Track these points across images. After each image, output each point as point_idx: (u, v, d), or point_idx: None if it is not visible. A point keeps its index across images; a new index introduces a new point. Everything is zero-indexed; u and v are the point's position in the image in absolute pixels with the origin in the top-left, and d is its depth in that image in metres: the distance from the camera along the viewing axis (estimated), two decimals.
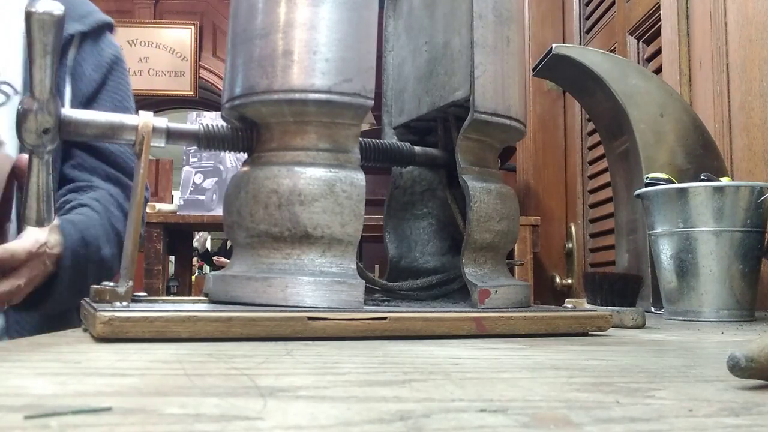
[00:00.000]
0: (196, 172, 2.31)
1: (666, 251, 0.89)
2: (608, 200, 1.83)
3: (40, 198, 0.54)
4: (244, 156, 0.62)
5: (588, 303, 0.79)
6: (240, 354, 0.40)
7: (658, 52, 1.56)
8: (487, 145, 0.65)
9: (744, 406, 0.28)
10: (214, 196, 2.29)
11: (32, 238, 0.75)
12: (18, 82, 0.92)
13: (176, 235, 2.53)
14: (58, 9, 0.49)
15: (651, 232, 0.93)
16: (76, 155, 0.96)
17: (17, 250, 0.73)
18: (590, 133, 2.09)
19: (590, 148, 2.10)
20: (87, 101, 0.97)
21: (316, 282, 0.53)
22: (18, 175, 0.74)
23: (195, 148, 0.73)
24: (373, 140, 0.67)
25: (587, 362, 0.41)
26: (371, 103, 0.57)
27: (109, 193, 0.94)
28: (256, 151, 0.59)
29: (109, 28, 1.05)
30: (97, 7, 1.06)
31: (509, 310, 0.57)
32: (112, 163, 0.98)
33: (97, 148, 0.96)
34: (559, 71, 1.18)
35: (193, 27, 5.16)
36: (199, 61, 5.17)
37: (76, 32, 0.98)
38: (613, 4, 1.91)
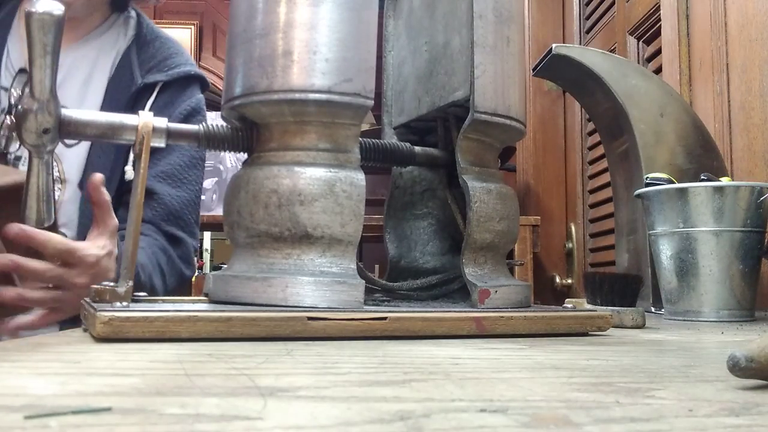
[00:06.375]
0: None
1: (666, 251, 0.89)
2: (608, 200, 1.83)
3: (40, 198, 0.54)
4: (244, 156, 0.62)
5: (588, 303, 0.79)
6: (240, 354, 0.40)
7: (658, 52, 1.56)
8: (487, 145, 0.65)
9: (744, 406, 0.28)
10: (214, 196, 2.29)
11: (99, 244, 0.77)
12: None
13: None
14: (58, 9, 0.49)
15: (651, 232, 0.93)
16: (125, 202, 0.99)
17: (89, 252, 0.75)
18: (590, 133, 2.09)
19: (590, 148, 2.10)
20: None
21: (316, 282, 0.53)
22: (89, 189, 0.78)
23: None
24: (373, 140, 0.66)
25: (587, 362, 0.41)
26: (371, 103, 0.57)
27: (154, 237, 0.98)
28: (256, 151, 0.59)
29: (198, 81, 1.10)
30: (192, 61, 1.11)
31: (509, 310, 0.57)
32: (164, 211, 1.00)
33: (150, 194, 0.99)
34: (559, 71, 1.18)
35: (193, 27, 5.15)
36: (199, 61, 5.16)
37: (157, 81, 1.02)
38: (613, 4, 1.91)
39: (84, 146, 0.99)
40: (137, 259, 0.90)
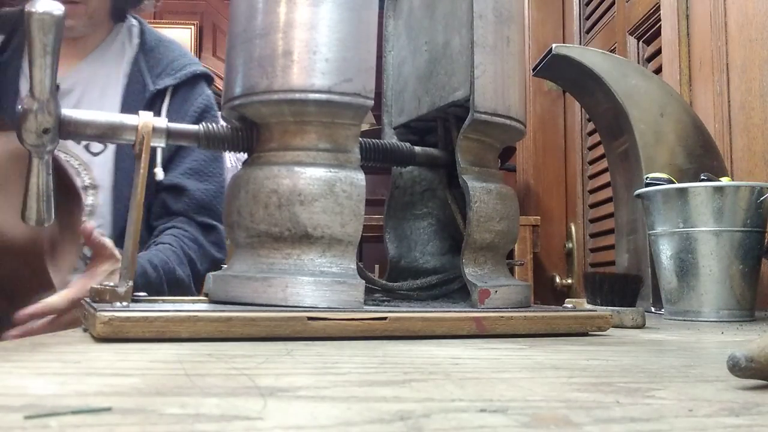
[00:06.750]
0: None
1: (666, 251, 0.89)
2: (608, 200, 1.83)
3: (40, 198, 0.54)
4: (244, 156, 0.62)
5: (588, 303, 0.79)
6: (240, 354, 0.40)
7: (658, 52, 1.56)
8: (487, 145, 0.65)
9: (744, 406, 0.28)
10: None
11: (78, 286, 0.80)
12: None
13: None
14: (57, 9, 0.49)
15: (651, 232, 0.93)
16: (160, 199, 1.05)
17: (57, 302, 0.78)
18: (590, 133, 2.09)
19: (590, 148, 2.10)
20: (175, 149, 1.06)
21: (316, 282, 0.53)
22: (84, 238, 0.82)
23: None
24: (373, 140, 0.66)
25: (587, 362, 0.41)
26: (371, 103, 0.57)
27: (184, 229, 1.04)
28: (256, 151, 0.59)
29: (204, 78, 1.15)
30: (196, 59, 1.17)
31: (509, 310, 0.57)
32: (195, 204, 1.06)
33: (182, 190, 1.05)
34: (559, 71, 1.18)
35: (193, 27, 5.15)
36: (200, 61, 5.15)
37: (167, 86, 1.07)
38: (613, 4, 1.91)
39: (110, 152, 1.04)
40: (157, 260, 0.94)
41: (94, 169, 1.03)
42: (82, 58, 1.08)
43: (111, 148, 1.04)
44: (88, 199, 1.03)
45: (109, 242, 0.83)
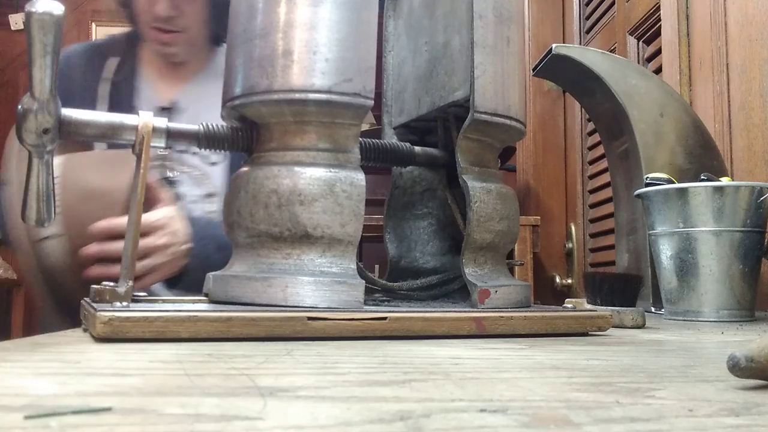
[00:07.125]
0: None
1: (666, 251, 0.89)
2: (608, 200, 1.83)
3: (40, 198, 0.54)
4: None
5: (588, 303, 0.79)
6: (240, 354, 0.40)
7: (658, 52, 1.56)
8: (487, 145, 0.65)
9: (744, 406, 0.28)
10: None
11: (162, 211, 0.86)
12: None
13: None
14: (58, 9, 0.49)
15: (651, 232, 0.93)
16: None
17: (157, 218, 0.84)
18: (590, 133, 2.09)
19: (590, 148, 2.10)
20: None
21: (316, 282, 0.53)
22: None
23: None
24: (373, 140, 0.66)
25: (587, 362, 0.41)
26: (371, 103, 0.57)
27: None
28: (256, 151, 0.59)
29: None
30: None
31: (509, 310, 0.57)
32: None
33: None
34: (559, 71, 1.18)
35: None
36: None
37: None
38: (613, 4, 1.91)
39: (227, 161, 1.11)
40: (204, 221, 0.98)
41: (213, 178, 1.09)
42: (188, 81, 1.16)
43: (226, 156, 1.10)
44: (206, 206, 1.09)
45: (163, 189, 0.87)
